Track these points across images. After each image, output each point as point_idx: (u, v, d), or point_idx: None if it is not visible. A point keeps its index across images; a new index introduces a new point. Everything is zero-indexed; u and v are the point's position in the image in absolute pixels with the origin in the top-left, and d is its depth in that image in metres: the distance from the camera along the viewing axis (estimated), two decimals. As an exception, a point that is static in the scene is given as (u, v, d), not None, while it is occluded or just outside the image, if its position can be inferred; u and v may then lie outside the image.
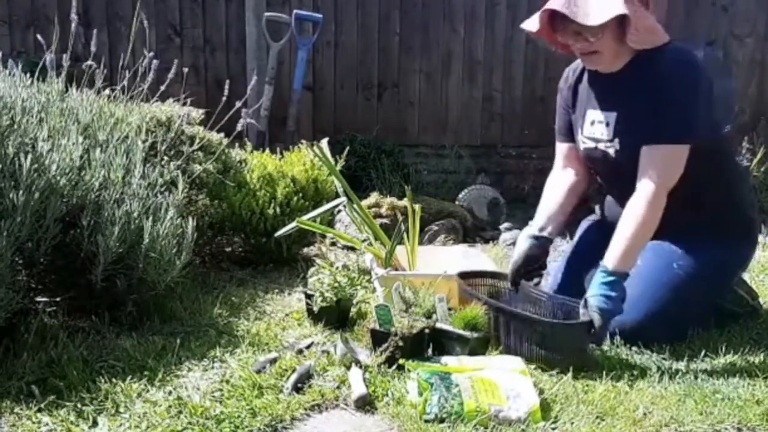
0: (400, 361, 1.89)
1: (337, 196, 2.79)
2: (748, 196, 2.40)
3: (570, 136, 2.42)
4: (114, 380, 1.80)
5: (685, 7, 4.72)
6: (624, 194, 2.16)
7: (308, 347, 2.09)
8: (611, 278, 2.03)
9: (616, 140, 2.22)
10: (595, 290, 2.03)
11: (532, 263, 2.28)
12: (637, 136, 2.14)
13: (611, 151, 2.23)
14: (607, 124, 2.24)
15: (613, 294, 2.02)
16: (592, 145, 2.29)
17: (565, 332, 2.00)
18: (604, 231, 2.27)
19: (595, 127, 2.28)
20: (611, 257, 2.07)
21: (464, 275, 2.30)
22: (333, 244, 3.05)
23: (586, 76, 2.35)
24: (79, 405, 1.68)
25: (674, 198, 2.11)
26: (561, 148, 2.46)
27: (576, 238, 2.57)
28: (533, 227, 2.33)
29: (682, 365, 2.01)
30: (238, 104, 2.79)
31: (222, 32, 4.59)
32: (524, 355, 1.98)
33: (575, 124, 2.39)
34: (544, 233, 2.31)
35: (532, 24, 2.18)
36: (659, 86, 2.11)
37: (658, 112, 2.10)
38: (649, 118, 2.11)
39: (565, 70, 2.47)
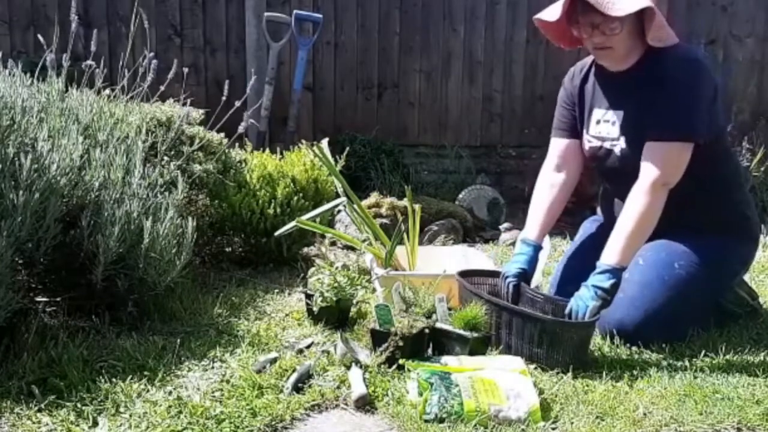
0: (400, 361, 1.89)
1: (337, 196, 2.78)
2: (746, 195, 2.40)
3: (567, 131, 2.41)
4: (114, 380, 1.80)
5: (685, 7, 4.72)
6: (627, 194, 2.16)
7: (308, 347, 2.09)
8: (607, 273, 2.04)
9: (622, 139, 2.22)
10: (588, 282, 2.06)
11: (530, 277, 2.29)
12: (643, 134, 2.14)
13: (617, 150, 2.23)
14: (614, 123, 2.24)
15: (605, 286, 2.03)
16: (597, 144, 2.29)
17: (568, 331, 2.01)
18: (606, 231, 2.27)
19: (601, 126, 2.28)
20: (609, 252, 2.07)
21: (464, 274, 2.30)
22: (333, 244, 3.04)
23: (592, 75, 2.34)
24: (79, 405, 1.68)
25: (673, 195, 2.11)
26: (556, 144, 2.43)
27: (577, 238, 2.57)
28: (530, 236, 2.33)
29: (682, 365, 2.01)
30: (237, 104, 2.79)
31: (222, 32, 4.59)
32: (525, 354, 1.98)
33: (580, 123, 2.38)
34: (538, 242, 2.33)
35: (552, 14, 2.16)
36: (666, 84, 2.11)
37: (663, 109, 2.10)
38: (656, 115, 2.11)
39: (570, 68, 2.46)
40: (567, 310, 2.05)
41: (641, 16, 2.10)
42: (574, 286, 2.34)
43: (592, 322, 2.02)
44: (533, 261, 2.30)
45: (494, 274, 2.37)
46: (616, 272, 2.05)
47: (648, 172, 2.09)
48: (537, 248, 2.32)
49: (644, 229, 2.10)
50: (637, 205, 2.08)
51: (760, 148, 4.42)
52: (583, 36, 2.17)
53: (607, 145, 2.26)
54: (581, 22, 2.14)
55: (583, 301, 2.03)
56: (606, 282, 2.03)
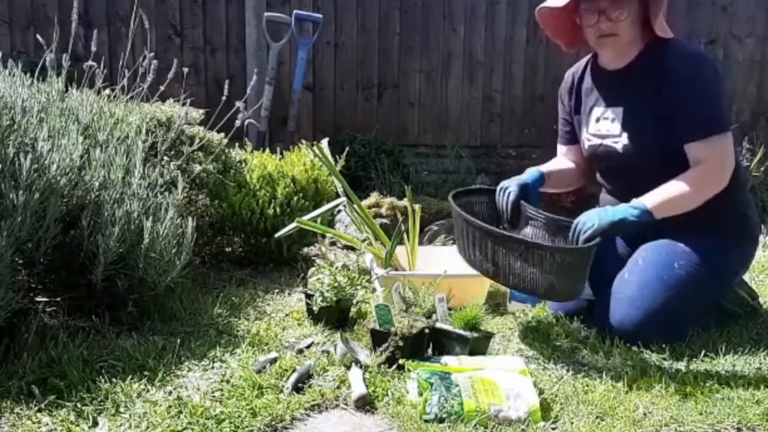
0: (400, 361, 1.89)
1: (337, 196, 2.79)
2: (747, 194, 2.41)
3: (565, 138, 2.47)
4: (114, 380, 1.80)
5: (685, 7, 4.73)
6: (626, 192, 2.16)
7: (308, 347, 2.09)
8: (637, 210, 2.04)
9: (625, 135, 2.22)
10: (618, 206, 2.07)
11: (530, 195, 2.27)
12: (646, 130, 2.15)
13: (618, 146, 2.24)
14: (614, 120, 2.25)
15: (627, 217, 2.02)
16: (597, 142, 2.30)
17: (566, 257, 1.98)
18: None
19: (601, 124, 2.29)
20: (648, 198, 2.07)
21: (458, 195, 2.28)
22: (333, 244, 3.05)
23: (588, 76, 2.35)
24: (79, 405, 1.68)
25: None
26: (562, 149, 2.51)
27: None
28: (537, 167, 2.37)
29: (682, 365, 2.01)
30: (238, 104, 2.79)
31: (222, 32, 4.59)
32: (515, 282, 2.00)
33: (579, 124, 2.39)
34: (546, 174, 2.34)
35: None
36: (673, 80, 2.12)
37: (689, 108, 2.11)
38: (677, 111, 2.12)
39: (565, 74, 2.48)
40: (574, 224, 2.05)
41: (644, 6, 2.12)
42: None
43: (587, 248, 1.99)
44: (537, 182, 2.30)
45: (489, 191, 2.35)
46: (646, 214, 2.04)
47: (703, 163, 2.10)
48: (543, 175, 2.33)
49: (687, 200, 2.10)
50: (691, 179, 2.09)
51: (760, 148, 4.42)
52: (587, 24, 2.18)
53: (608, 142, 2.27)
54: (587, 8, 2.15)
55: (592, 217, 2.02)
56: (630, 215, 2.03)
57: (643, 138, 2.17)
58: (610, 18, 2.14)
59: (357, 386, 1.78)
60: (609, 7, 2.13)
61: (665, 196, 2.09)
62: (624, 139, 2.22)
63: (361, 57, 4.71)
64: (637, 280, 2.17)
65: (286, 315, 2.41)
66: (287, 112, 4.42)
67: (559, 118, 2.51)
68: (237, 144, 3.21)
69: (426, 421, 1.65)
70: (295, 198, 2.99)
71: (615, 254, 2.34)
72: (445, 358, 1.90)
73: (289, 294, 2.64)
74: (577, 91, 2.39)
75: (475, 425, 1.64)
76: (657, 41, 2.18)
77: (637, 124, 2.19)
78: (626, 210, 2.06)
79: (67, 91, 2.39)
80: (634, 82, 2.20)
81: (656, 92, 2.14)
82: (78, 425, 1.60)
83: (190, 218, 2.30)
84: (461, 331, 1.99)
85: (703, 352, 2.09)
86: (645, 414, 1.73)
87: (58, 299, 2.22)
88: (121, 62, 2.56)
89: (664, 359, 2.06)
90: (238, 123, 2.79)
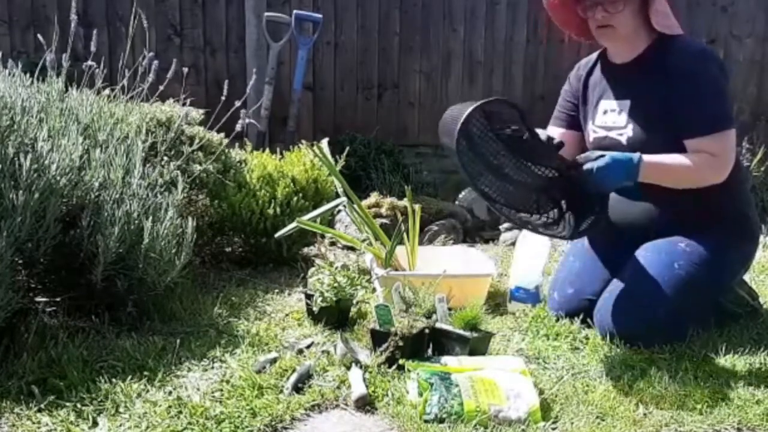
0: (400, 361, 1.89)
1: (337, 196, 2.78)
2: (747, 194, 2.40)
3: (564, 122, 2.45)
4: (114, 380, 1.80)
5: (685, 6, 4.73)
6: (630, 186, 2.16)
7: (308, 347, 2.09)
8: (630, 157, 2.03)
9: (629, 127, 2.23)
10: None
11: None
12: (650, 122, 2.16)
13: (623, 139, 2.24)
14: (620, 112, 2.25)
15: (623, 157, 2.02)
16: (603, 134, 2.30)
17: None
18: (606, 230, 2.27)
19: (608, 116, 2.29)
20: (647, 156, 2.07)
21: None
22: (333, 244, 3.05)
23: (598, 69, 2.36)
24: (79, 405, 1.67)
25: (674, 193, 2.12)
26: (553, 131, 2.45)
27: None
28: None
29: (682, 365, 2.01)
30: (237, 104, 2.79)
31: (222, 32, 4.59)
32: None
33: (585, 115, 2.40)
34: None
35: None
36: (678, 77, 2.12)
37: (692, 105, 2.11)
38: (681, 107, 2.12)
39: (576, 64, 2.48)
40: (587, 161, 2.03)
41: (647, 2, 2.13)
42: (574, 287, 2.34)
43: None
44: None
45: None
46: (636, 165, 2.03)
47: (705, 154, 2.10)
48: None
49: (678, 176, 2.11)
50: (692, 160, 2.09)
51: (760, 148, 4.42)
52: (586, 15, 2.20)
53: (613, 134, 2.27)
54: (584, 1, 2.16)
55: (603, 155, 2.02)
56: (626, 158, 2.02)
57: (647, 131, 2.17)
58: (607, 10, 2.15)
59: (357, 386, 1.78)
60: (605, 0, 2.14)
61: (659, 160, 2.08)
62: (629, 131, 2.22)
63: (361, 57, 4.71)
64: (637, 280, 2.17)
65: (286, 315, 2.41)
66: (287, 112, 4.42)
67: (560, 101, 2.49)
68: (237, 144, 3.21)
69: (426, 421, 1.65)
70: (295, 198, 2.99)
71: (616, 254, 2.34)
72: (445, 358, 1.90)
73: (289, 294, 2.64)
74: (585, 83, 2.40)
75: (475, 425, 1.64)
76: (665, 37, 2.18)
77: (643, 117, 2.20)
78: (627, 159, 2.05)
79: (66, 91, 2.39)
80: (641, 76, 2.20)
81: (661, 87, 2.14)
82: (78, 425, 1.60)
83: (189, 218, 2.29)
84: (461, 331, 1.98)
85: (703, 352, 2.09)
86: (645, 414, 1.73)
87: (58, 299, 2.22)
88: (121, 62, 2.56)
89: (664, 359, 2.06)
90: (238, 128, 2.80)
